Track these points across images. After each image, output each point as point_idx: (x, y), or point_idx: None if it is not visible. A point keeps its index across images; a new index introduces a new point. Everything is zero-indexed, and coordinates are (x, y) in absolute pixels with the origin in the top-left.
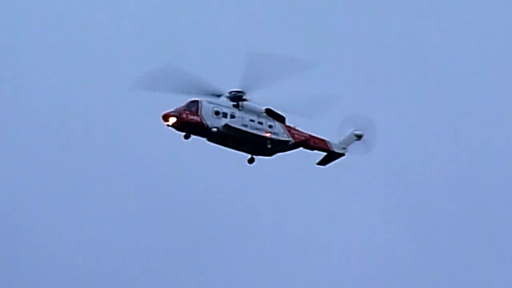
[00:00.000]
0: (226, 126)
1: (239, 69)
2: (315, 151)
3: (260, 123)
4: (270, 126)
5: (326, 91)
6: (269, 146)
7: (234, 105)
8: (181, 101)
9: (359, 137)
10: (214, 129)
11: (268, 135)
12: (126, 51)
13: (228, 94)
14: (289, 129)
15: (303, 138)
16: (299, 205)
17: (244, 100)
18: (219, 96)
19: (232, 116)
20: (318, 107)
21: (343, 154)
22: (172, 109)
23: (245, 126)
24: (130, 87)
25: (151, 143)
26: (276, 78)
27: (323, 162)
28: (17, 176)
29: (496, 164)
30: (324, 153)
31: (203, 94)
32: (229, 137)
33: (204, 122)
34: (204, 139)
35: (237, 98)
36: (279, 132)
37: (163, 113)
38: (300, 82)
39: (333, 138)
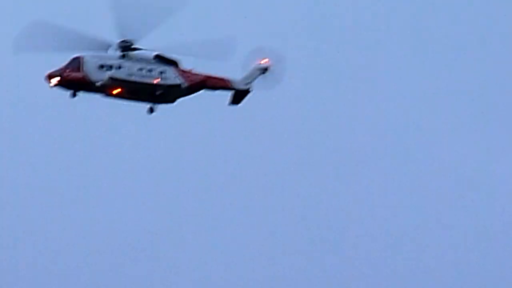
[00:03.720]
0: (110, 78)
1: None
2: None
3: (150, 70)
4: (162, 72)
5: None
6: (158, 92)
7: (121, 56)
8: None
9: (263, 70)
10: (99, 83)
11: (156, 81)
12: None
13: (116, 46)
14: (183, 72)
15: (198, 79)
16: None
17: (133, 49)
18: (108, 48)
19: (119, 68)
20: (223, 49)
21: (247, 90)
22: (54, 69)
23: (130, 75)
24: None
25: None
26: (160, 20)
27: (233, 101)
28: None
29: None
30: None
31: (89, 49)
32: (117, 89)
33: (87, 77)
34: (100, 96)
35: (125, 48)
36: (170, 77)
37: (46, 73)
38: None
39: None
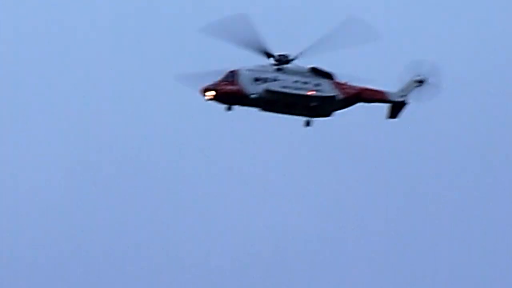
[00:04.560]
0: (266, 90)
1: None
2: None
3: (305, 83)
4: (317, 85)
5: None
6: (313, 103)
7: (277, 69)
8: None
9: (420, 82)
10: (254, 95)
11: (310, 93)
12: None
13: (275, 57)
14: (338, 84)
15: (354, 91)
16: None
17: (288, 62)
18: (270, 57)
19: (274, 80)
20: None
21: (404, 102)
22: (209, 83)
23: (285, 87)
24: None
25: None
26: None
27: (390, 114)
28: None
29: None
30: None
31: (255, 51)
32: (273, 102)
33: (243, 90)
34: (256, 110)
35: (281, 62)
36: (325, 89)
37: (201, 87)
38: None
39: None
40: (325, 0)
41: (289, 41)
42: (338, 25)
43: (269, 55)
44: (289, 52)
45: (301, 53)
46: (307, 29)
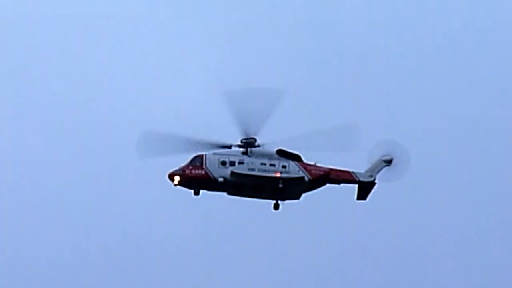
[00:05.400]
0: (232, 173)
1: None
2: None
3: (273, 165)
4: (284, 167)
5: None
6: (280, 185)
7: (243, 153)
8: None
9: (388, 162)
10: (221, 179)
11: (278, 174)
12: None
13: (238, 143)
14: (306, 166)
15: (322, 172)
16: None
17: (255, 146)
18: (229, 147)
19: (241, 163)
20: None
21: (372, 182)
22: (176, 168)
23: (252, 170)
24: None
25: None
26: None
27: (359, 196)
28: None
29: None
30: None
31: (211, 148)
32: (240, 185)
33: (210, 174)
34: (224, 194)
35: (247, 145)
36: (292, 170)
37: (168, 173)
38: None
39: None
40: None
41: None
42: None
43: (227, 147)
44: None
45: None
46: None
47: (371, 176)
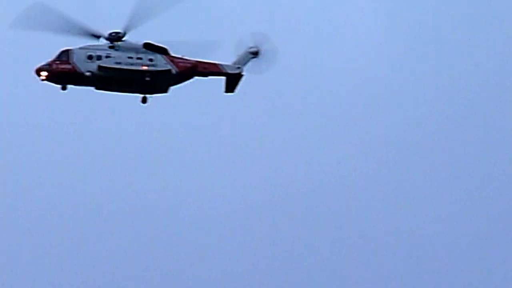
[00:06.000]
0: (99, 67)
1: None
2: (211, 78)
3: (139, 58)
4: (151, 60)
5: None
6: (147, 79)
7: (110, 47)
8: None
9: (255, 53)
10: (88, 73)
11: (144, 68)
12: None
13: (106, 36)
14: (173, 59)
15: (189, 65)
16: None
17: (122, 40)
18: (98, 37)
19: (108, 57)
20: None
21: (240, 74)
22: (43, 63)
23: (119, 63)
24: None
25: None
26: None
27: (227, 88)
28: None
29: None
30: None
31: (81, 35)
32: (108, 79)
33: (77, 68)
34: (92, 89)
35: (115, 39)
36: (159, 63)
37: (35, 68)
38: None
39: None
40: None
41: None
42: None
43: (98, 36)
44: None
45: (128, 27)
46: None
47: (239, 68)
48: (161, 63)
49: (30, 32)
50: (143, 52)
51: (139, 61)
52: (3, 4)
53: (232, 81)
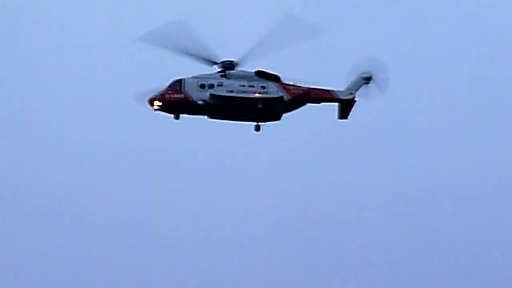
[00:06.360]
0: (211, 95)
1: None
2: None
3: (252, 86)
4: (263, 87)
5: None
6: (260, 106)
7: (222, 75)
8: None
9: (367, 79)
10: (200, 102)
11: (257, 95)
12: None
13: (219, 64)
14: (285, 86)
15: (301, 91)
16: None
17: (234, 68)
18: (212, 63)
19: (220, 86)
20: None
21: (352, 100)
22: (155, 93)
23: (231, 91)
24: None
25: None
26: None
27: (340, 115)
28: None
29: None
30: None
31: (199, 59)
32: (220, 107)
33: (189, 97)
34: (205, 117)
35: (227, 67)
36: (272, 91)
37: (147, 98)
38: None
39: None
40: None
41: (231, 46)
42: (276, 25)
43: (213, 63)
44: (233, 57)
45: (243, 57)
46: (248, 32)
47: (351, 93)
48: (274, 90)
49: (153, 48)
50: (255, 80)
51: (251, 88)
52: (146, 17)
53: (345, 107)
